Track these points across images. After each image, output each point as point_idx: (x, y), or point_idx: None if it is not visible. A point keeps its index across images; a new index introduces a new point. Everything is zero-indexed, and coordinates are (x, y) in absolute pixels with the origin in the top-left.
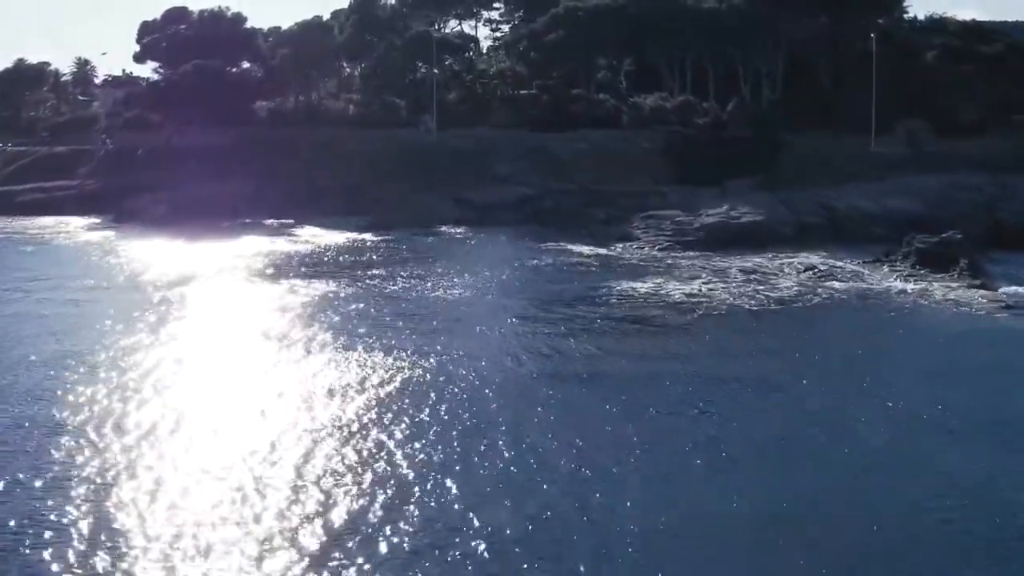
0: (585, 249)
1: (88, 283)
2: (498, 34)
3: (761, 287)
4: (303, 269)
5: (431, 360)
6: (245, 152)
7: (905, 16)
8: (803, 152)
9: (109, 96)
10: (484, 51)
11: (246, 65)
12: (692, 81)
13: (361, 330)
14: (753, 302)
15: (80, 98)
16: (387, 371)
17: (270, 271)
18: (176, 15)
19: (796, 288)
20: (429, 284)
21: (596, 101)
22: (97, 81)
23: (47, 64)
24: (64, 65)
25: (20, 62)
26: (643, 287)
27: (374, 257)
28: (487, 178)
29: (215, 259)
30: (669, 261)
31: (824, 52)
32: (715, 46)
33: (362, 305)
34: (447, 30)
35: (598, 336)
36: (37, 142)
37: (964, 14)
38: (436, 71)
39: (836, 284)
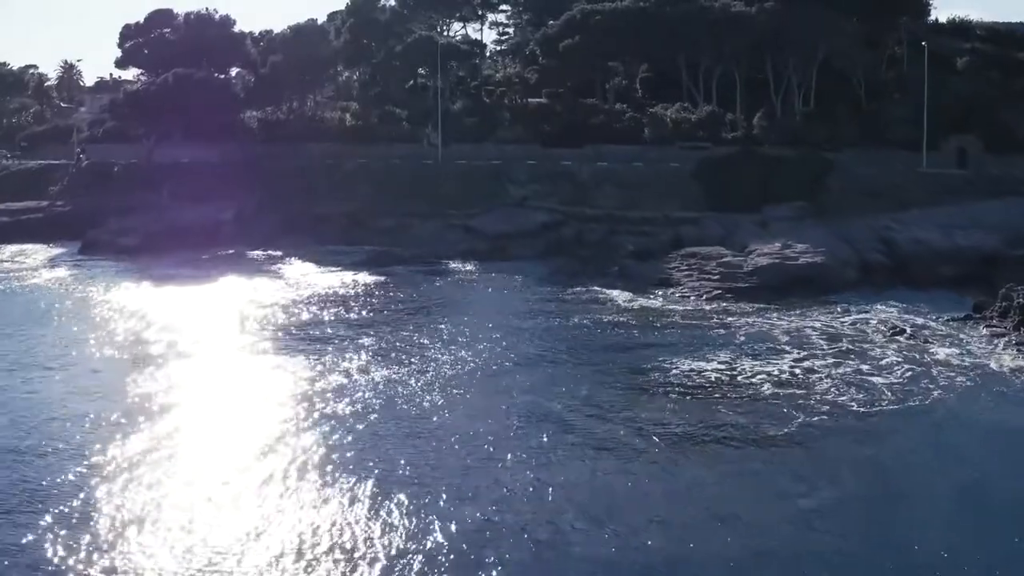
0: (620, 297)
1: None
2: (505, 38)
3: (860, 363)
4: (276, 334)
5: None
6: (231, 170)
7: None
8: (849, 173)
9: (96, 103)
10: (489, 55)
11: (236, 72)
12: (713, 90)
13: (322, 480)
14: (863, 395)
15: (63, 105)
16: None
17: (232, 336)
18: (160, 18)
19: (899, 366)
20: (429, 367)
21: (614, 113)
22: (87, 85)
23: (31, 67)
24: (51, 68)
25: (1, 66)
26: (710, 367)
27: (365, 312)
28: (500, 201)
29: (170, 316)
30: (725, 318)
31: (859, 60)
32: (744, 53)
33: (333, 415)
34: (450, 33)
35: (668, 480)
36: (13, 153)
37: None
38: (440, 81)
39: (939, 354)
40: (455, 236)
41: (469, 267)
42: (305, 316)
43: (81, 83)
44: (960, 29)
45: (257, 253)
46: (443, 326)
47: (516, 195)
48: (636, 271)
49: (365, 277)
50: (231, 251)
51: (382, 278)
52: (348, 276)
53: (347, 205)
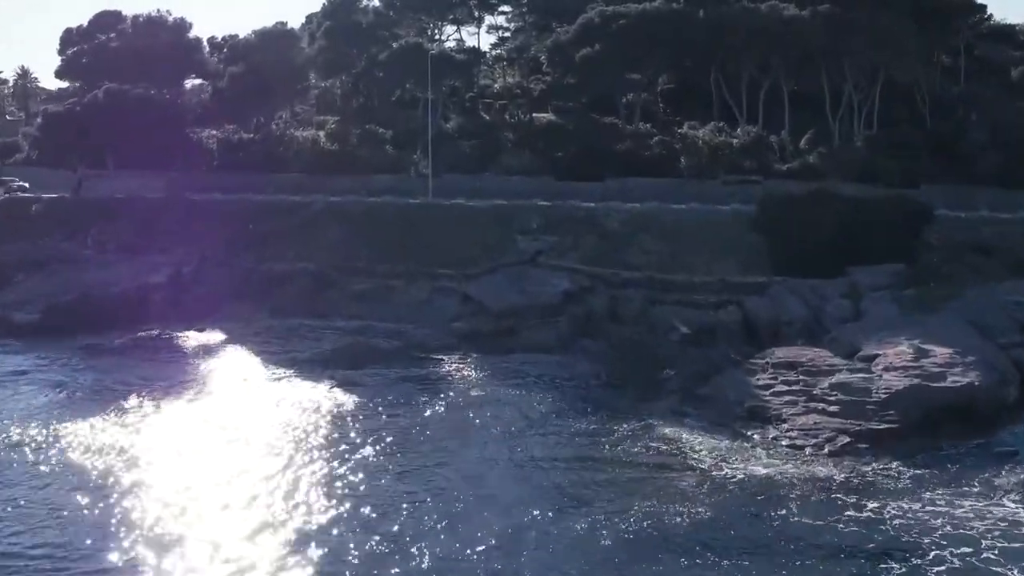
0: (698, 445)
1: None
2: (505, 42)
3: None
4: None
5: None
6: (175, 209)
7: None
8: (944, 220)
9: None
10: (486, 62)
11: (193, 84)
12: (760, 108)
13: None
14: None
15: (7, 118)
16: None
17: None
18: (107, 20)
19: None
20: None
21: (640, 137)
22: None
23: None
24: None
25: None
26: None
27: (299, 495)
28: (506, 256)
29: None
30: (868, 500)
31: (925, 72)
32: (796, 64)
33: None
34: (442, 38)
35: None
36: None
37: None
38: (432, 95)
39: None
40: (449, 306)
41: (467, 370)
42: (209, 510)
43: (39, 90)
44: (1003, 33)
45: (189, 337)
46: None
47: (527, 248)
48: (712, 392)
49: (323, 395)
50: (156, 332)
51: (345, 400)
52: (301, 391)
53: (314, 259)
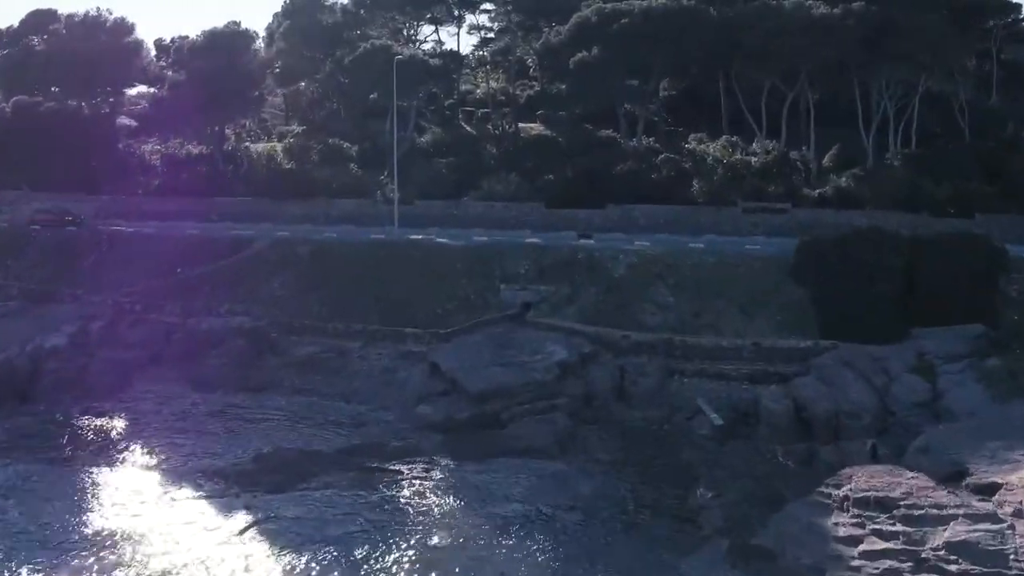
0: None
1: None
2: (488, 44)
3: None
4: None
5: None
6: (95, 247)
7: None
8: (1015, 263)
9: None
10: (467, 65)
11: (142, 90)
12: (783, 122)
13: None
14: None
15: None
16: None
17: None
18: (40, 21)
19: None
20: None
21: (643, 155)
22: None
23: None
24: None
25: None
26: None
27: None
28: (488, 308)
29: None
30: None
31: (964, 80)
32: (823, 69)
33: None
34: (419, 38)
35: None
36: None
37: None
38: (402, 104)
39: None
40: (416, 381)
41: (432, 493)
42: None
43: None
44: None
45: (83, 426)
46: None
47: (513, 300)
48: (773, 546)
49: (227, 542)
50: (44, 413)
51: (254, 555)
52: (199, 538)
53: (252, 312)
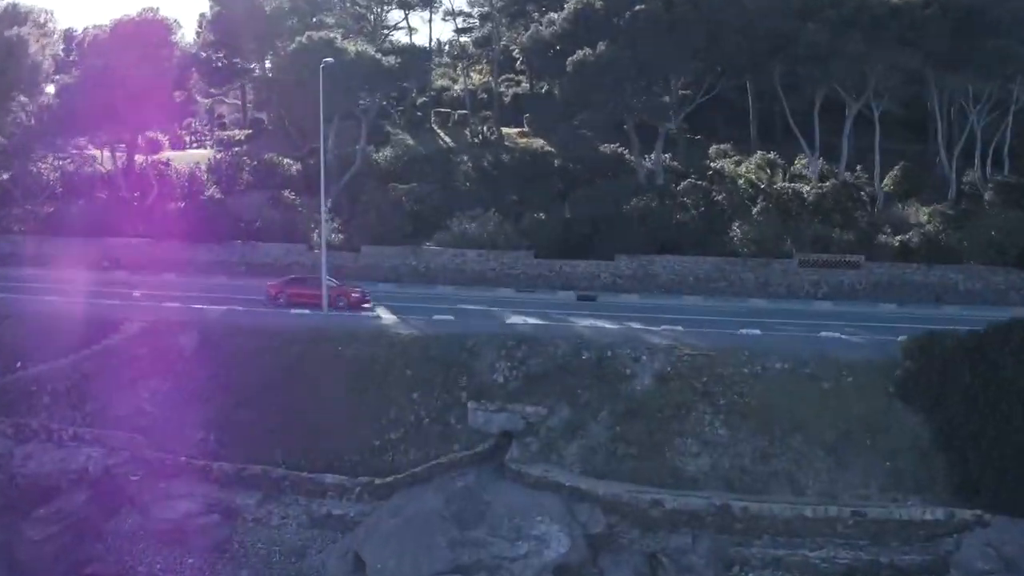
0: None
1: None
2: (468, 32)
3: None
4: None
5: None
6: None
7: None
8: None
9: None
10: (444, 56)
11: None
12: (847, 138)
13: None
14: None
15: None
16: None
17: None
18: None
19: None
20: None
21: (662, 188)
22: None
23: None
24: None
25: None
26: None
27: None
28: (447, 442)
29: None
30: None
31: None
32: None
33: None
34: (386, 22)
35: None
36: None
37: None
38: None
39: None
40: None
41: None
42: None
43: None
44: None
45: None
46: None
47: (487, 427)
48: None
49: None
50: None
51: None
52: None
53: (107, 439)
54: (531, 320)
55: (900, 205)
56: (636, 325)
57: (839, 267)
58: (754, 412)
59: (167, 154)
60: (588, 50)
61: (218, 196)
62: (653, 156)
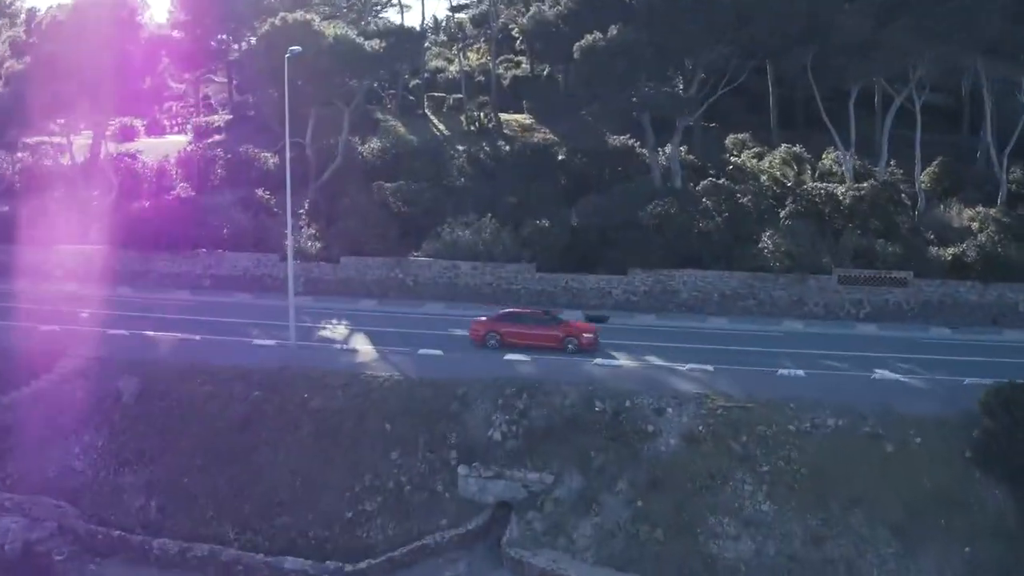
0: None
1: None
2: (464, 9)
3: None
4: None
5: None
6: None
7: None
8: None
9: None
10: (447, 28)
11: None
12: (884, 131)
13: None
14: None
15: None
16: None
17: None
18: None
19: None
20: None
21: (679, 190)
22: None
23: None
24: None
25: None
26: None
27: None
28: (432, 516)
29: None
30: None
31: None
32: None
33: None
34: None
35: None
36: None
37: None
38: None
39: None
40: None
41: None
42: None
43: None
44: None
45: None
46: None
47: (481, 496)
48: None
49: None
50: None
51: None
52: None
53: (31, 507)
54: (533, 353)
55: (941, 206)
56: (656, 361)
57: (884, 284)
58: (804, 482)
59: (141, 143)
60: (598, 33)
61: (186, 195)
62: (668, 151)
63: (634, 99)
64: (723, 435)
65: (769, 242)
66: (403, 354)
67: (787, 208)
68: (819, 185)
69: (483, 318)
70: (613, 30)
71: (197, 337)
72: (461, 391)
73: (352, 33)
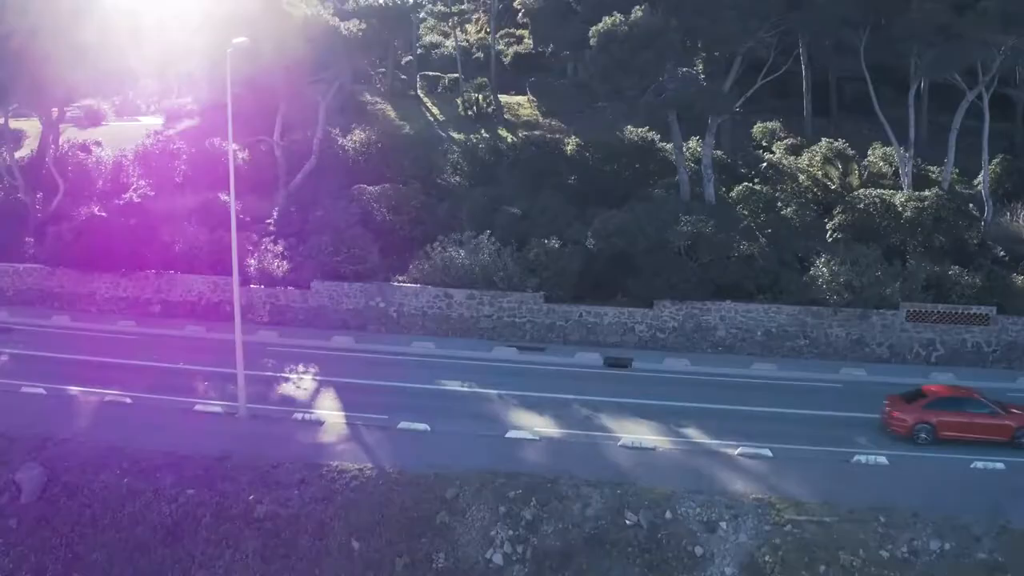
0: None
1: None
2: None
3: None
4: None
5: None
6: None
7: None
8: None
9: None
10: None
11: None
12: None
13: None
14: None
15: None
16: None
17: None
18: None
19: None
20: None
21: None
22: None
23: None
24: None
25: None
26: None
27: None
28: None
29: None
30: None
31: None
32: None
33: None
34: None
35: None
36: None
37: None
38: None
39: None
40: None
41: None
42: None
43: None
44: None
45: None
46: None
47: None
48: None
49: None
50: None
51: None
52: None
53: None
54: (541, 422)
55: (1007, 215)
56: (698, 436)
57: (961, 321)
58: None
59: (109, 128)
60: (618, 16)
61: (141, 198)
62: (698, 148)
63: (662, 95)
64: (795, 565)
65: (825, 269)
66: (379, 428)
67: (835, 219)
68: (872, 192)
69: (910, 406)
70: (638, 12)
71: (128, 399)
72: (451, 493)
73: (328, 13)
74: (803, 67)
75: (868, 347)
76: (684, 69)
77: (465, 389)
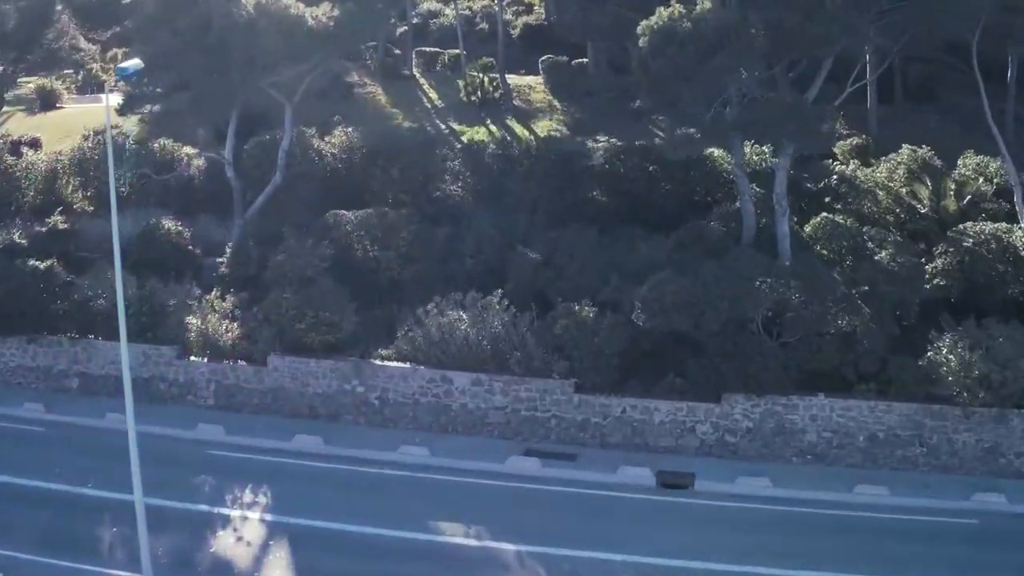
0: None
1: None
2: None
3: None
4: None
5: None
6: None
7: None
8: None
9: None
10: None
11: None
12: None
13: None
14: None
15: None
16: None
17: None
18: None
19: None
20: None
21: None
22: None
23: None
24: None
25: None
26: None
27: None
28: None
29: None
30: None
31: None
32: None
33: None
34: None
35: None
36: None
37: None
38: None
39: None
40: None
41: None
42: None
43: None
44: None
45: None
46: None
47: None
48: None
49: None
50: None
51: None
52: None
53: None
54: None
55: None
56: None
57: None
58: None
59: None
60: (677, 7)
61: (65, 224)
62: (772, 173)
63: (729, 109)
64: None
65: (951, 356)
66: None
67: (938, 260)
68: (984, 227)
69: None
70: (705, 3)
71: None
72: None
73: (287, 5)
74: (867, 54)
75: (1005, 458)
76: (758, 74)
77: (472, 543)
